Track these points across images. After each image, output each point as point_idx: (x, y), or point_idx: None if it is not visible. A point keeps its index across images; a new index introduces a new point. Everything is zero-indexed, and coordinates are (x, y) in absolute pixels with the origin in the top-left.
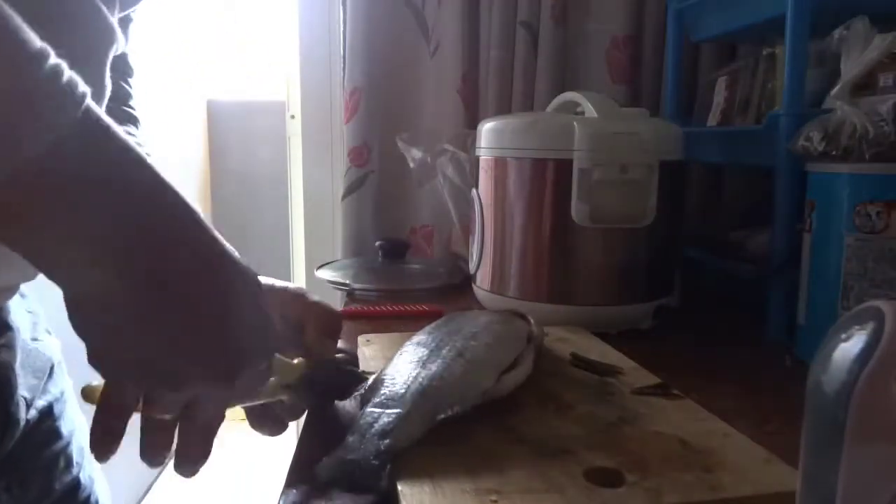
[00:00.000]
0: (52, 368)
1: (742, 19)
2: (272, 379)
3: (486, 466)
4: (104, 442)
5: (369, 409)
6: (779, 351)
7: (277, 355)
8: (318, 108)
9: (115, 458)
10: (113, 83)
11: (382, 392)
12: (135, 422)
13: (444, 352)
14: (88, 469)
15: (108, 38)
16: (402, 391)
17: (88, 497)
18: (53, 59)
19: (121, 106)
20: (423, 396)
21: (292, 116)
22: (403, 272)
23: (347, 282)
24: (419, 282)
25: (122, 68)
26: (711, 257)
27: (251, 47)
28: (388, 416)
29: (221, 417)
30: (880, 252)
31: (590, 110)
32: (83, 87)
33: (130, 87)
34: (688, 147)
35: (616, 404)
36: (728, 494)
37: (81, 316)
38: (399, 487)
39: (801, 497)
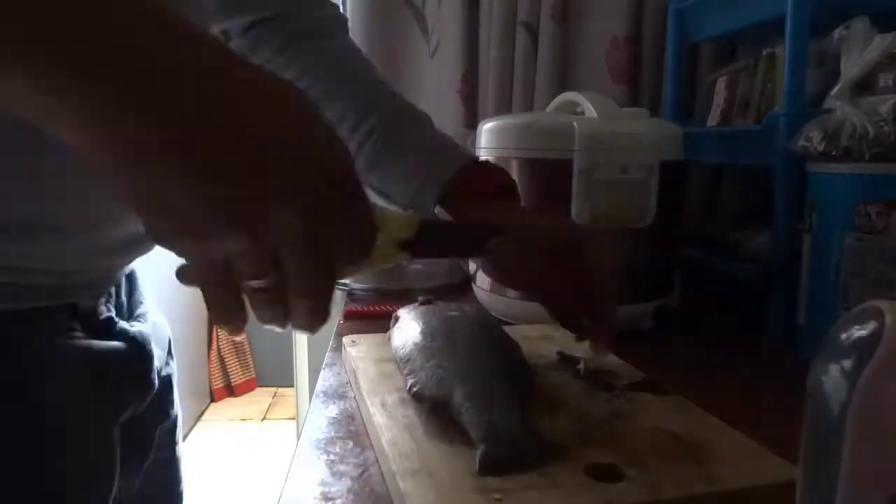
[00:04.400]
0: (169, 343)
1: (742, 19)
2: (381, 238)
3: None
4: (226, 308)
5: (479, 409)
6: (779, 351)
7: (385, 208)
8: None
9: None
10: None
11: (476, 388)
12: None
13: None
14: (181, 447)
15: None
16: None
17: (178, 471)
18: None
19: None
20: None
21: None
22: (403, 272)
23: (347, 282)
24: (419, 282)
25: None
26: (711, 257)
27: None
28: (506, 404)
29: (326, 278)
30: (880, 252)
31: (590, 110)
32: None
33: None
34: (688, 147)
35: (606, 401)
36: (726, 486)
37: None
38: (402, 487)
39: (800, 497)
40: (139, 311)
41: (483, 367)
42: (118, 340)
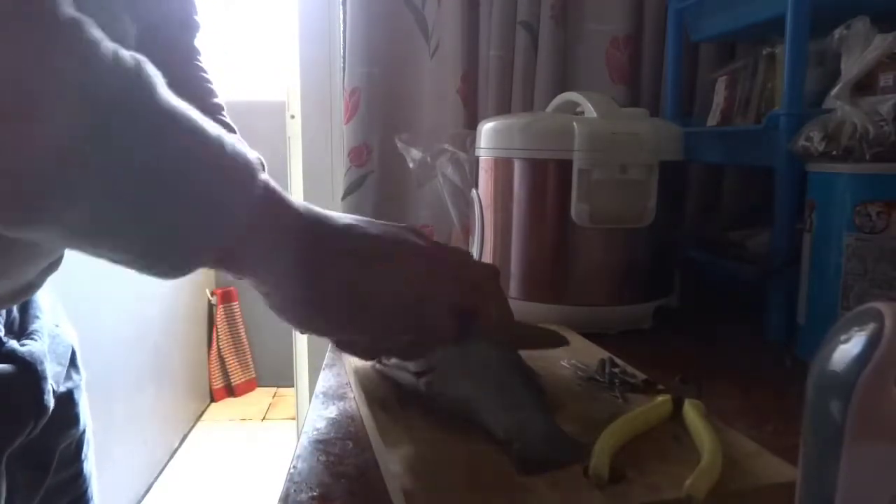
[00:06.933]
0: (72, 355)
1: (742, 19)
2: None
3: (487, 466)
4: None
5: (505, 408)
6: (779, 351)
7: None
8: (318, 108)
9: (116, 458)
10: (193, 82)
11: (497, 387)
12: (129, 423)
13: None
14: (90, 463)
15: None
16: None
17: (86, 491)
18: (226, 138)
19: (216, 116)
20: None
21: (292, 116)
22: None
23: None
24: None
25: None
26: (711, 257)
27: (251, 47)
28: (532, 403)
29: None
30: (880, 252)
31: (590, 110)
32: (252, 155)
33: (211, 83)
34: (688, 147)
35: (606, 402)
36: (726, 488)
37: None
38: (402, 489)
39: (800, 497)
40: (33, 326)
41: (499, 364)
42: (5, 363)
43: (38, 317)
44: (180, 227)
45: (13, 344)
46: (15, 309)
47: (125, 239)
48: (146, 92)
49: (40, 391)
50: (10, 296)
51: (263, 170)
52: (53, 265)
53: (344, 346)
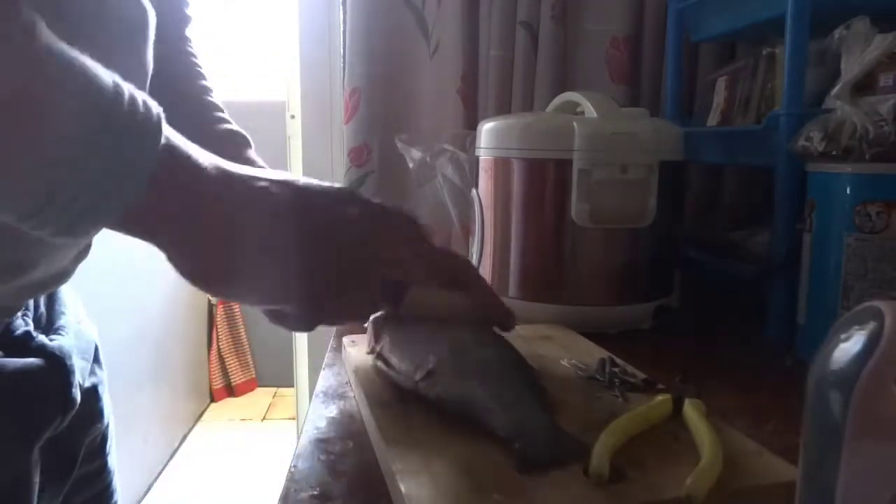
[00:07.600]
0: (95, 350)
1: (742, 19)
2: None
3: (487, 466)
4: None
5: (507, 407)
6: (779, 351)
7: None
8: (318, 108)
9: (116, 458)
10: (185, 71)
11: (498, 386)
12: (129, 422)
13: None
14: (113, 458)
15: (141, 21)
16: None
17: (110, 484)
18: (125, 90)
19: (215, 113)
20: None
21: (292, 116)
22: None
23: None
24: None
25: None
26: (711, 257)
27: (251, 47)
28: (533, 402)
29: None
30: (880, 252)
31: (590, 110)
32: (155, 108)
33: (201, 67)
34: (688, 147)
35: (606, 401)
36: (727, 487)
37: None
38: (402, 488)
39: (800, 497)
40: (59, 322)
41: (499, 363)
42: (35, 357)
43: (63, 312)
44: (69, 181)
45: (42, 338)
46: (42, 304)
47: (9, 192)
48: (26, 35)
49: (69, 385)
50: (46, 282)
51: (228, 123)
52: (84, 252)
53: (275, 317)
